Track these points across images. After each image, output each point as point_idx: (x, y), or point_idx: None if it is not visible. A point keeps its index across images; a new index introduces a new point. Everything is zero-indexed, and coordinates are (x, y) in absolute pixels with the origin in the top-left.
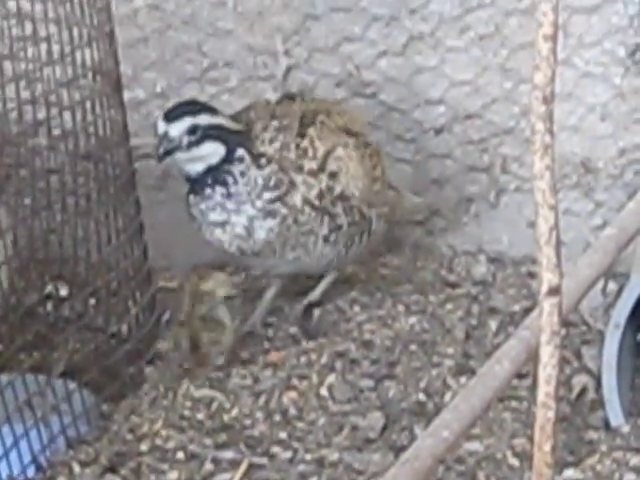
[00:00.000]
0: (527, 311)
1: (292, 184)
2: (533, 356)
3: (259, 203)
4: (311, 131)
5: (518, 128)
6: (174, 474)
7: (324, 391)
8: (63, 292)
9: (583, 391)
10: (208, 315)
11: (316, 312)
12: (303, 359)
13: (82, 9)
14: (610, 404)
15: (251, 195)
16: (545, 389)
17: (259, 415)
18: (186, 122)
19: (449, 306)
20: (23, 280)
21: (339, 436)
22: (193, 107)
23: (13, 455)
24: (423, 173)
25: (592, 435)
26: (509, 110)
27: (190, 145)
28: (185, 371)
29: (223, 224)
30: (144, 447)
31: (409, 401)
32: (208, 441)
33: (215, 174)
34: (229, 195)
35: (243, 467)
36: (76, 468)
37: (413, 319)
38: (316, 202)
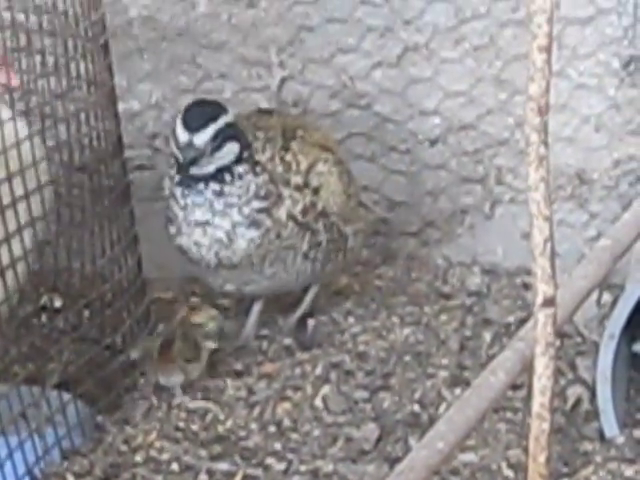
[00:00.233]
0: (522, 322)
1: (280, 197)
2: (528, 367)
3: (246, 210)
4: (294, 145)
5: (513, 139)
6: None
7: (318, 402)
8: (57, 303)
9: (578, 402)
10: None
11: (310, 323)
12: (297, 370)
13: (77, 21)
14: (605, 415)
15: (241, 199)
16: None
17: (253, 426)
18: (210, 130)
19: (444, 317)
20: (17, 292)
21: (334, 447)
22: (212, 111)
23: (7, 466)
24: (418, 184)
25: (587, 446)
26: (504, 121)
27: (213, 150)
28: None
29: (205, 224)
30: (139, 458)
31: (404, 412)
32: (203, 452)
33: (220, 170)
34: (220, 194)
35: (238, 478)
36: (70, 479)
37: (408, 330)
38: (300, 217)
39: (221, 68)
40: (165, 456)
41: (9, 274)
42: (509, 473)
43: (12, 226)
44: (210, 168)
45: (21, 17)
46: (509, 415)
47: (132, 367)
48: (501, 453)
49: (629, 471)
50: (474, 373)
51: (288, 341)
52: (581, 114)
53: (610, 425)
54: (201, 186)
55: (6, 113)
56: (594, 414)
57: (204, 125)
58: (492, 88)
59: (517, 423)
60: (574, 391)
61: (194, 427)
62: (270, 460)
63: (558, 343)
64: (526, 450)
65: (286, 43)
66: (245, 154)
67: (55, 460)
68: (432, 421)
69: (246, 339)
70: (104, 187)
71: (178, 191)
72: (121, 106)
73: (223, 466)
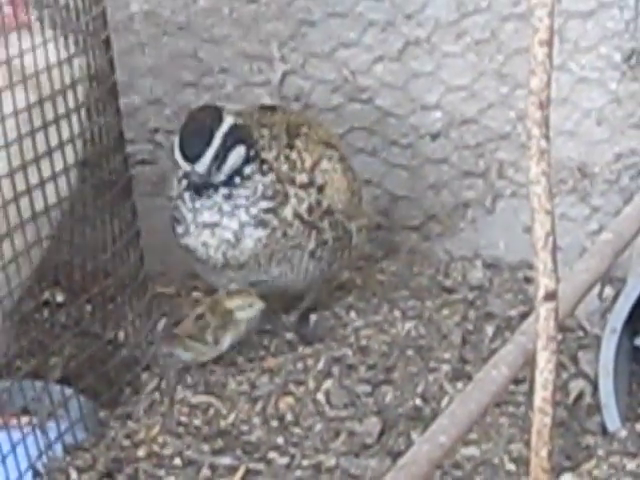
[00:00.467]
0: (524, 316)
1: (286, 196)
2: (530, 361)
3: (254, 210)
4: (298, 143)
5: (514, 133)
6: None
7: (321, 397)
8: (60, 298)
9: (580, 396)
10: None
11: (312, 318)
12: (300, 365)
13: (78, 16)
14: (607, 409)
15: (249, 200)
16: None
17: (256, 421)
18: (208, 154)
19: (446, 311)
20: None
21: (336, 441)
22: (207, 130)
23: (10, 461)
24: (419, 178)
25: (589, 440)
26: (505, 115)
27: (219, 168)
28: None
29: (213, 226)
30: (141, 453)
31: (406, 406)
32: (205, 447)
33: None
34: (229, 196)
35: (240, 473)
36: (73, 474)
37: (410, 324)
38: (306, 216)
39: (222, 63)
40: (168, 451)
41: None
42: (511, 467)
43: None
44: (221, 177)
45: None
46: (511, 409)
47: (135, 362)
48: (503, 447)
49: (631, 465)
50: (476, 367)
51: (290, 336)
52: (582, 108)
53: (612, 419)
54: (211, 191)
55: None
56: (596, 408)
57: (200, 153)
58: (493, 82)
59: (519, 417)
60: (576, 385)
61: (196, 422)
62: (272, 454)
63: (560, 337)
64: (528, 444)
65: (287, 37)
66: (252, 152)
67: (58, 455)
68: (434, 415)
69: (248, 333)
70: (106, 182)
71: (187, 195)
72: (122, 101)
73: (225, 460)
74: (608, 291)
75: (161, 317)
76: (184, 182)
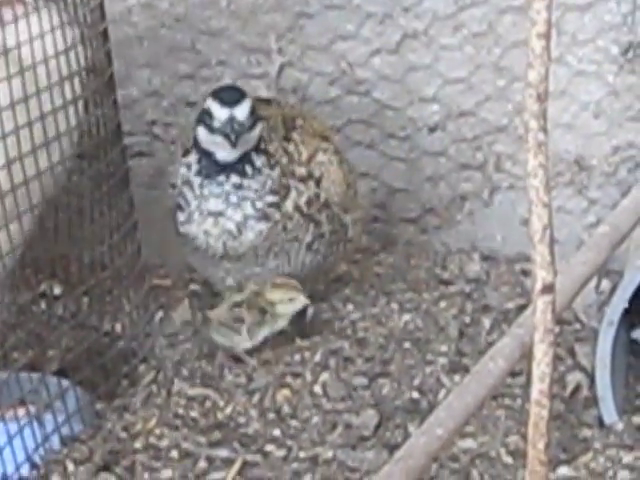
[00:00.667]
0: (521, 309)
1: (288, 190)
2: (527, 354)
3: (259, 204)
4: (294, 135)
5: (512, 126)
6: (168, 472)
7: (318, 389)
8: (57, 290)
9: (577, 389)
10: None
11: (310, 310)
12: (297, 357)
13: (75, 8)
14: (604, 402)
15: (257, 194)
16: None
17: (253, 413)
18: (247, 103)
19: (443, 304)
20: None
21: (333, 434)
22: (237, 88)
23: (7, 453)
24: (417, 171)
25: (586, 433)
26: (503, 108)
27: (250, 127)
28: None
29: (217, 215)
30: (138, 445)
31: (403, 399)
32: (202, 439)
33: (242, 160)
34: (240, 187)
35: (237, 465)
36: (70, 466)
37: (407, 317)
38: (305, 209)
39: (220, 55)
40: (164, 443)
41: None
42: (508, 459)
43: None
44: (234, 154)
45: None
46: (508, 402)
47: (132, 354)
48: (500, 440)
49: (628, 457)
50: (473, 360)
51: (287, 328)
52: (580, 101)
53: (609, 412)
54: (222, 178)
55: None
56: (593, 401)
57: (240, 99)
58: (491, 75)
59: (516, 410)
60: (573, 378)
61: (193, 414)
62: (269, 447)
63: (557, 330)
64: (525, 437)
65: (285, 30)
66: (262, 144)
67: (54, 447)
68: (431, 408)
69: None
70: (103, 174)
71: (197, 180)
72: (120, 93)
73: (222, 453)
74: (605, 284)
75: (158, 309)
76: (194, 167)
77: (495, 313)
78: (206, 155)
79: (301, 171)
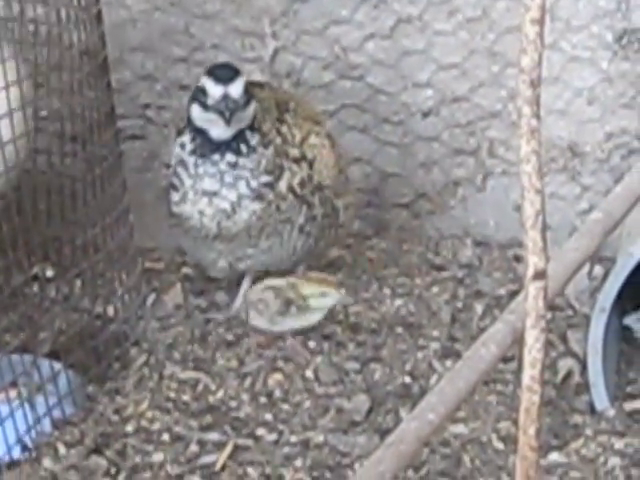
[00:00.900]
0: (513, 294)
1: (281, 170)
2: (519, 339)
3: (254, 183)
4: (287, 117)
5: (505, 112)
6: (159, 455)
7: (309, 373)
8: (49, 273)
9: (568, 375)
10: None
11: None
12: (288, 341)
13: None
14: (595, 388)
15: (252, 173)
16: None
17: (244, 397)
18: (241, 81)
19: (435, 289)
20: (9, 261)
21: (324, 418)
22: (232, 66)
23: None
24: (410, 156)
25: (577, 419)
26: (496, 93)
27: (244, 105)
28: None
29: (212, 195)
30: (129, 428)
31: (394, 384)
32: (193, 423)
33: (236, 139)
34: (235, 165)
35: (228, 449)
36: (61, 449)
37: (399, 302)
38: (298, 190)
39: (214, 38)
40: (156, 426)
41: None
42: (499, 445)
43: None
44: (229, 131)
45: None
46: (499, 387)
47: (124, 337)
48: (491, 425)
49: (619, 444)
50: (465, 345)
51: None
52: (574, 87)
53: (601, 398)
54: (216, 157)
55: None
56: (585, 387)
57: (234, 76)
58: (485, 60)
59: (507, 395)
60: (565, 364)
61: (185, 397)
62: (261, 431)
63: (549, 316)
64: (516, 422)
65: (279, 14)
66: (256, 123)
67: (46, 429)
68: (423, 393)
69: (237, 310)
70: (96, 157)
71: (191, 159)
72: (113, 76)
73: (214, 436)
74: (598, 270)
75: (150, 292)
76: (188, 147)
77: (487, 299)
78: (200, 133)
79: (294, 152)
